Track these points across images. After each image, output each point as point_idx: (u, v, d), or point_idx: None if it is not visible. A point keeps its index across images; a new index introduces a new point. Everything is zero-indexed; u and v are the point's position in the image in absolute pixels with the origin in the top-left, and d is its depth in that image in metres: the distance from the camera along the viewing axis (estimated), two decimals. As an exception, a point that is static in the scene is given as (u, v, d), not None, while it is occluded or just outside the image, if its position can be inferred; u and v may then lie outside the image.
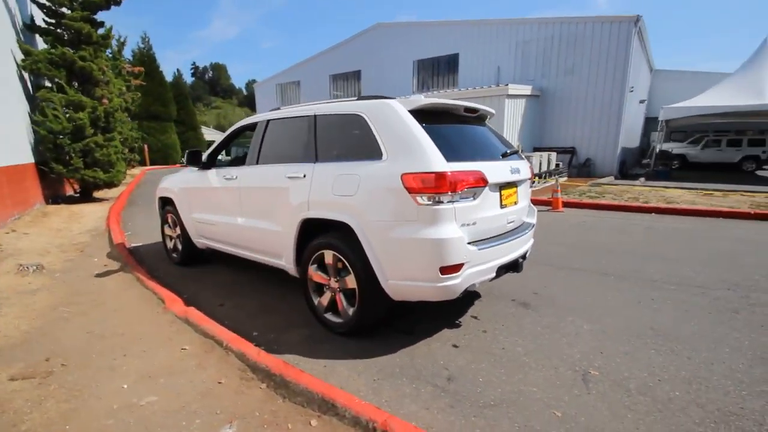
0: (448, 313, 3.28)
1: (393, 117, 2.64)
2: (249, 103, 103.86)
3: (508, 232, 2.96)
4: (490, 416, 2.02)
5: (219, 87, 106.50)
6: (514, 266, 2.90)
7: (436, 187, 2.36)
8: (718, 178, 13.94)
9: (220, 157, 4.33)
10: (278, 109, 3.68)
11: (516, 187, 3.06)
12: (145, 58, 21.08)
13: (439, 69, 19.63)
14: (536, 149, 16.10)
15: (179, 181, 4.55)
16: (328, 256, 2.85)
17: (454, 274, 2.45)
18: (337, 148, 2.92)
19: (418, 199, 2.40)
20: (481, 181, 2.57)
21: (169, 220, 4.81)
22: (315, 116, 3.11)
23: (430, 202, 2.39)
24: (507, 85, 14.06)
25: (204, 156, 4.17)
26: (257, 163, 3.53)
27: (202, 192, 4.13)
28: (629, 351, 2.65)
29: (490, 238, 2.76)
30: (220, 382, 2.29)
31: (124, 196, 11.59)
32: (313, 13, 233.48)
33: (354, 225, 2.61)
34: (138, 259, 4.86)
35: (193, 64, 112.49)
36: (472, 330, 2.99)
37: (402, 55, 20.36)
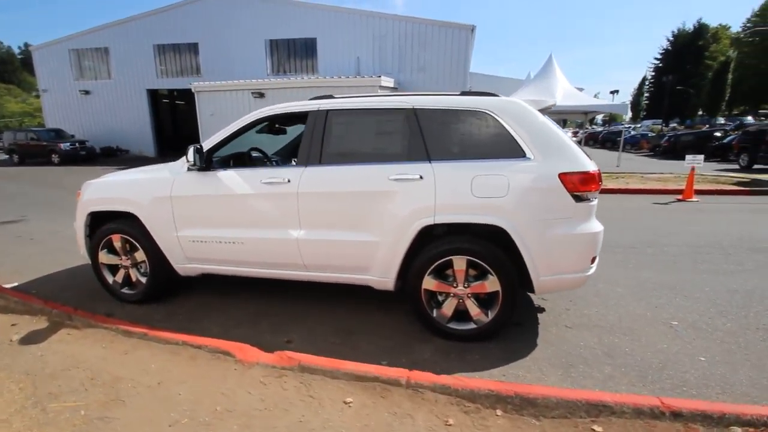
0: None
1: (530, 117, 2.66)
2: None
3: None
4: (675, 377, 2.40)
5: None
6: None
7: (590, 184, 2.55)
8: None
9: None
10: (329, 96, 3.10)
11: None
12: None
13: (296, 52, 18.81)
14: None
15: (147, 188, 3.28)
16: (459, 262, 2.68)
17: (595, 263, 2.72)
18: (457, 146, 2.73)
19: (576, 197, 2.54)
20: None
21: (116, 244, 3.42)
22: (415, 110, 2.79)
23: (586, 199, 2.57)
24: (380, 76, 14.68)
25: (195, 154, 3.08)
26: (321, 162, 2.92)
27: (211, 201, 3.11)
28: (666, 302, 3.47)
29: None
30: (449, 424, 1.96)
31: None
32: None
33: (508, 227, 2.55)
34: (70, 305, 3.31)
35: None
36: (558, 310, 3.33)
37: (252, 32, 18.59)
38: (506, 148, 2.63)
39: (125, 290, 3.54)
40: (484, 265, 2.65)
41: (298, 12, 18.10)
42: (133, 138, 20.71)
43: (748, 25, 43.73)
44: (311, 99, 3.16)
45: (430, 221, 2.66)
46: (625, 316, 3.20)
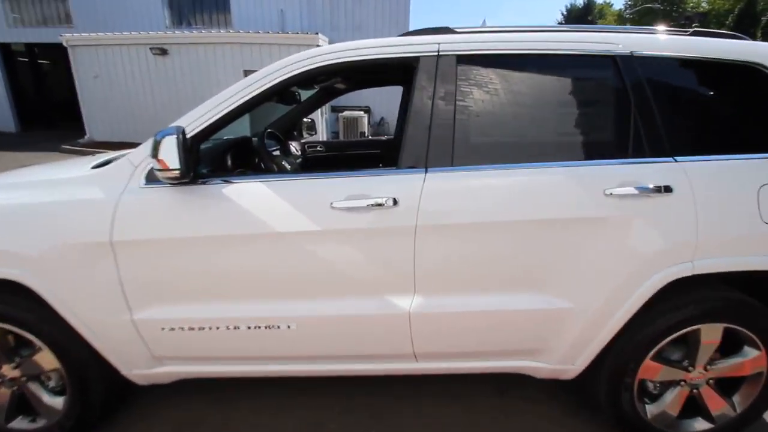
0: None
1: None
2: None
3: None
4: None
5: None
6: None
7: None
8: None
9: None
10: (446, 30, 1.61)
11: None
12: None
13: (203, 2, 15.42)
14: (334, 108, 15.55)
15: (48, 225, 1.50)
16: (712, 332, 1.54)
17: None
18: (715, 129, 1.52)
19: None
20: None
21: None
22: (634, 57, 1.48)
23: None
24: (317, 33, 12.58)
25: (176, 149, 1.39)
26: (453, 163, 1.48)
27: (213, 248, 1.48)
28: None
29: None
30: None
31: None
32: None
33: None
34: None
35: None
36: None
37: (141, -27, 14.70)
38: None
39: (19, 424, 1.76)
40: (746, 332, 1.55)
41: (203, -50, 14.71)
42: (-22, 109, 15.58)
43: (629, 3, 48.72)
44: (404, 34, 1.65)
45: (686, 270, 1.43)
46: None
